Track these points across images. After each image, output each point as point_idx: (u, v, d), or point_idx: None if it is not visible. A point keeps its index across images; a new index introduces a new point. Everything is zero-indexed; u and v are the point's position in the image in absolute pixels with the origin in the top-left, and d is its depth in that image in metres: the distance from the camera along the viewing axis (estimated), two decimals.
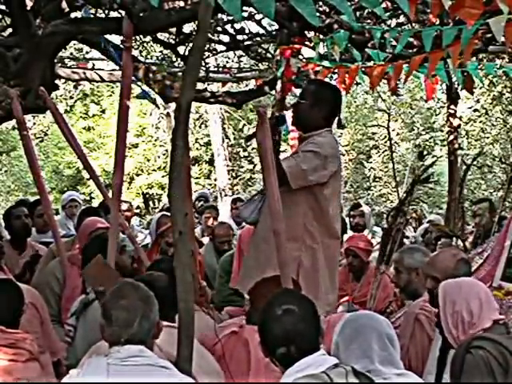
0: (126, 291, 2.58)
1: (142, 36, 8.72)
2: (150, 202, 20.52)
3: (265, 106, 3.59)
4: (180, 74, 5.87)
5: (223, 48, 6.73)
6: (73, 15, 4.33)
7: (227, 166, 14.99)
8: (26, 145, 4.44)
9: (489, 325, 2.90)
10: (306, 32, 4.78)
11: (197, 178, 19.24)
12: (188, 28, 6.88)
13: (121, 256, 4.28)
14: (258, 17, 5.39)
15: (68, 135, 4.59)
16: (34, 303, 3.66)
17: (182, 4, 3.86)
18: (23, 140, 4.45)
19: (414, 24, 4.69)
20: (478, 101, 14.58)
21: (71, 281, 4.50)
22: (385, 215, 12.26)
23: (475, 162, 13.04)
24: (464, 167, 7.88)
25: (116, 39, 5.18)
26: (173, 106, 13.90)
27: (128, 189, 19.32)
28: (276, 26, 5.11)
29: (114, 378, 2.41)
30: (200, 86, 7.07)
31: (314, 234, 3.81)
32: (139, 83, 5.10)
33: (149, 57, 10.23)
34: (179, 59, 6.57)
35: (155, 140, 20.45)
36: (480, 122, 14.95)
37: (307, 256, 3.80)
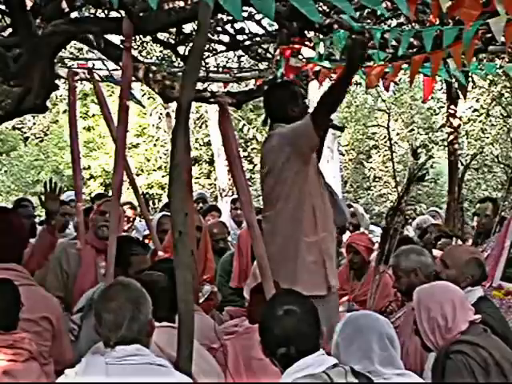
0: (114, 292, 2.56)
1: (142, 36, 8.72)
2: (150, 202, 20.51)
3: (223, 96, 3.63)
4: (180, 73, 5.86)
5: (223, 48, 6.73)
6: (73, 15, 4.33)
7: (227, 165, 14.96)
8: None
9: (465, 327, 2.93)
10: (306, 32, 4.78)
11: (197, 178, 19.24)
12: (188, 28, 6.88)
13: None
14: (257, 17, 5.38)
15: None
16: (48, 316, 3.46)
17: (181, 4, 3.85)
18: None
19: (414, 24, 4.69)
20: (477, 101, 14.57)
21: (86, 259, 4.53)
22: (385, 215, 12.25)
23: (473, 163, 13.07)
24: (462, 167, 7.89)
25: (116, 39, 5.18)
26: (173, 105, 13.90)
27: (128, 189, 19.29)
28: (276, 26, 5.11)
29: (113, 377, 2.40)
30: (200, 85, 7.06)
31: None
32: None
33: (149, 57, 10.22)
34: (179, 59, 6.56)
35: (156, 140, 20.45)
36: (480, 122, 14.94)
37: None
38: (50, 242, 4.25)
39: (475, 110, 14.72)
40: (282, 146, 3.86)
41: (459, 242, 5.71)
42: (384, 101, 17.86)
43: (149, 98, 17.69)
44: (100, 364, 2.43)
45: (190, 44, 5.26)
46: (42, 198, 4.28)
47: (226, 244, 5.99)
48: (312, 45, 4.56)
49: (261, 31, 5.72)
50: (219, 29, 5.55)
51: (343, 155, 20.47)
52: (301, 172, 3.87)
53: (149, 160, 20.86)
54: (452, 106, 9.58)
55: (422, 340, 3.02)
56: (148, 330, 2.56)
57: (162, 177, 20.13)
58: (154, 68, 4.88)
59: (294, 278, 3.78)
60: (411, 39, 3.96)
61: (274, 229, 3.90)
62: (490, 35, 4.18)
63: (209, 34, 5.20)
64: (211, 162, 18.51)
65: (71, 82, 4.48)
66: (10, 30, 4.49)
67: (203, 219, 7.16)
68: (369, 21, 5.00)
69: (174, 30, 5.65)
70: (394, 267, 4.23)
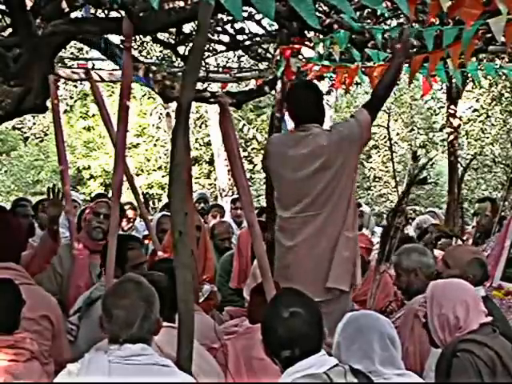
0: (128, 289, 2.52)
1: (142, 36, 8.72)
2: (150, 202, 20.51)
3: (224, 96, 3.66)
4: (180, 74, 5.87)
5: (223, 48, 6.74)
6: (73, 15, 4.33)
7: (227, 165, 14.96)
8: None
9: (475, 328, 2.92)
10: (306, 32, 4.78)
11: (197, 178, 19.24)
12: (188, 28, 6.89)
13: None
14: (257, 17, 5.39)
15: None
16: (48, 315, 3.46)
17: (181, 4, 3.85)
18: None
19: (413, 24, 4.70)
20: (477, 101, 14.57)
21: (79, 261, 4.51)
22: (385, 215, 12.25)
23: (473, 163, 13.06)
24: (462, 168, 7.89)
25: (116, 39, 5.18)
26: (173, 105, 13.89)
27: (128, 189, 19.27)
28: (276, 26, 5.11)
29: (115, 377, 2.38)
30: (200, 85, 7.06)
31: None
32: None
33: (149, 57, 10.22)
34: (179, 59, 6.57)
35: (156, 140, 20.45)
36: (480, 122, 14.93)
37: None
38: (51, 247, 4.26)
39: (475, 110, 14.72)
40: (340, 144, 3.82)
41: (459, 241, 5.71)
42: None
43: (149, 98, 17.70)
44: (102, 362, 2.41)
45: (190, 44, 5.27)
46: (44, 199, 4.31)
47: (230, 245, 6.00)
48: (312, 45, 4.56)
49: (261, 31, 5.73)
50: (219, 29, 5.56)
51: None
52: (352, 170, 3.90)
53: (149, 160, 20.87)
54: (452, 106, 9.58)
55: (430, 335, 3.01)
56: (155, 329, 2.55)
57: (162, 177, 20.13)
58: (154, 68, 4.89)
59: (327, 269, 3.79)
60: (412, 39, 3.97)
61: (322, 229, 3.84)
62: (490, 35, 4.19)
63: (209, 34, 5.21)
64: (211, 162, 18.51)
65: (53, 88, 4.47)
66: (10, 29, 4.50)
67: (205, 218, 7.20)
68: (369, 21, 5.01)
69: (174, 30, 5.66)
70: (395, 265, 4.23)
